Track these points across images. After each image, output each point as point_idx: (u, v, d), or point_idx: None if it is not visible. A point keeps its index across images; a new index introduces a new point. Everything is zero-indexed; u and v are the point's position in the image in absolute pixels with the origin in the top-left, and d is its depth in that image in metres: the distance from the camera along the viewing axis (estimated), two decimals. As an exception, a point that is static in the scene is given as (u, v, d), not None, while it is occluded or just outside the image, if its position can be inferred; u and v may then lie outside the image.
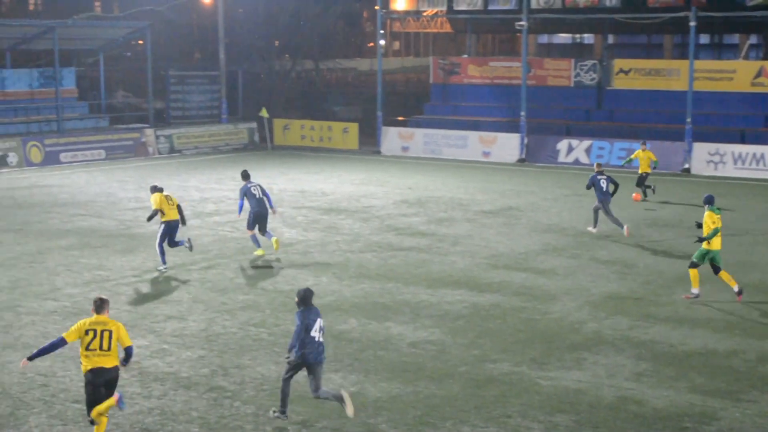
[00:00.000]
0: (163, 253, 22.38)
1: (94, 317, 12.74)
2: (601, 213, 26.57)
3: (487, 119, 47.27)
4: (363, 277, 21.92)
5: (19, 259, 23.39)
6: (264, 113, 48.63)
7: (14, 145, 41.18)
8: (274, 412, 13.62)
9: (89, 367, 12.47)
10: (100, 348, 12.49)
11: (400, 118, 51.00)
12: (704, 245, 19.71)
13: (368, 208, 31.14)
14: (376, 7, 48.74)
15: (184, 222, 23.03)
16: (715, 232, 19.48)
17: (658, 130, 42.65)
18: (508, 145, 44.27)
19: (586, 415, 13.97)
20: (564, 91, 46.55)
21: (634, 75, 45.08)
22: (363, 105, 57.89)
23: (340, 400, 13.42)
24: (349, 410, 13.34)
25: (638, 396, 14.70)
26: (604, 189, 26.25)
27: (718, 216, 19.65)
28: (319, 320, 13.48)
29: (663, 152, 40.86)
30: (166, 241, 22.41)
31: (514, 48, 78.09)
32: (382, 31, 49.48)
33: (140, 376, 15.32)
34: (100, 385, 12.47)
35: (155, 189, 22.81)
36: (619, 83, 45.47)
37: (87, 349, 12.48)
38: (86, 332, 12.53)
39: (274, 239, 23.96)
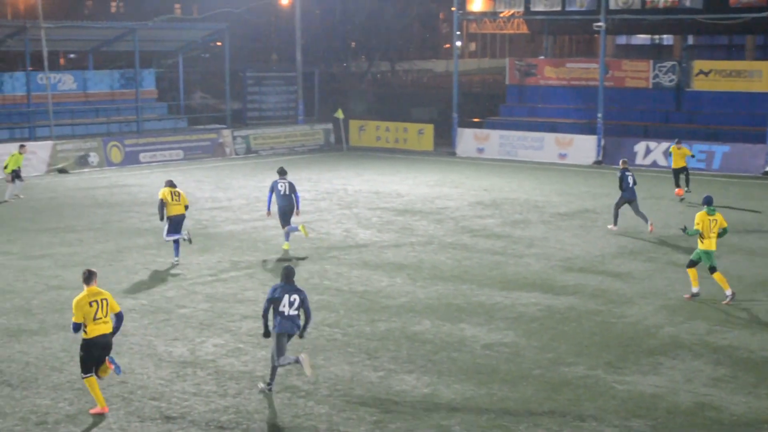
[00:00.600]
0: (177, 243, 23.29)
1: (88, 290, 13.81)
2: (631, 209, 27.47)
3: (564, 121, 46.92)
4: (437, 278, 21.90)
5: (99, 258, 23.79)
6: (339, 114, 48.88)
7: (95, 146, 41.92)
8: (267, 386, 14.66)
9: (95, 335, 13.68)
10: (104, 317, 13.78)
11: (475, 120, 50.84)
12: (699, 245, 19.87)
13: (443, 209, 31.11)
14: (453, 9, 48.63)
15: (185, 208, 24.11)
16: (695, 232, 19.81)
17: (738, 132, 41.93)
18: (584, 147, 43.90)
19: (662, 420, 13.79)
20: (642, 93, 45.98)
21: (714, 76, 44.35)
22: (438, 106, 57.84)
23: (297, 362, 14.39)
24: (308, 371, 14.30)
25: (716, 402, 14.47)
26: (631, 185, 27.12)
27: (712, 217, 19.77)
28: (288, 296, 14.36)
29: (743, 155, 40.24)
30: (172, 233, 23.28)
31: (591, 49, 77.39)
32: (458, 33, 49.38)
33: (216, 375, 15.48)
34: (97, 348, 13.70)
35: (166, 183, 23.58)
36: (699, 84, 44.77)
37: (95, 319, 13.68)
38: (90, 304, 13.67)
39: (300, 226, 24.17)
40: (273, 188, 24.45)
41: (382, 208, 31.39)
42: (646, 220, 27.09)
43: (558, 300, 20.07)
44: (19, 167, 32.97)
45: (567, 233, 27.18)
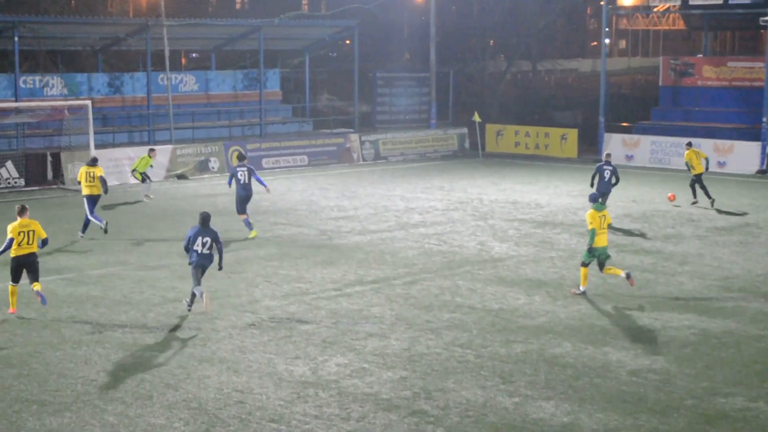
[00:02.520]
0: (86, 224, 27.53)
1: (20, 220, 19.53)
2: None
3: (723, 126, 45.99)
4: (579, 297, 21.66)
5: (217, 269, 24.18)
6: (477, 118, 48.78)
7: (216, 150, 42.74)
8: (188, 305, 20.10)
9: (17, 254, 19.54)
10: (27, 243, 19.54)
11: (624, 124, 50.22)
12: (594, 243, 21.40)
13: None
14: (602, 3, 48.17)
15: (105, 191, 28.00)
16: (592, 233, 21.21)
17: None
18: (746, 155, 42.93)
19: (831, 460, 13.36)
20: (813, 95, 44.73)
21: None
22: (583, 109, 57.33)
23: (201, 295, 19.67)
24: (206, 306, 19.59)
25: None
26: (606, 179, 29.68)
27: (601, 213, 21.32)
28: (201, 238, 19.80)
29: None
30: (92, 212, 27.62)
31: (756, 46, 75.61)
32: (607, 29, 48.91)
33: (339, 397, 15.59)
34: (22, 265, 19.59)
35: (87, 162, 28.25)
36: None
37: (19, 245, 19.47)
38: (19, 233, 19.43)
39: (252, 232, 28.19)
40: (233, 175, 28.31)
41: (520, 219, 31.23)
42: None
43: (714, 323, 19.64)
44: (143, 171, 35.48)
45: (725, 249, 26.59)
